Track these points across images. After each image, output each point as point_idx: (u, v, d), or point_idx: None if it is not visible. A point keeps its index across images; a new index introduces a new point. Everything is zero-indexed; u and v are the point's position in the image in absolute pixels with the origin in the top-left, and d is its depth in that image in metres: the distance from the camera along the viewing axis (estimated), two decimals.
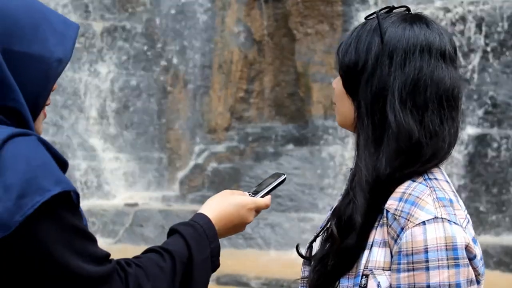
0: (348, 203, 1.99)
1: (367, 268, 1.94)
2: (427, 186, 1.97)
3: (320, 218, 8.21)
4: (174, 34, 9.50)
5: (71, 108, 9.60)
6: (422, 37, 1.99)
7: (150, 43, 9.60)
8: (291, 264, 7.80)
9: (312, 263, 2.06)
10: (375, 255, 1.95)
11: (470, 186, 7.92)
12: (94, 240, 1.72)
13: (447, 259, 1.87)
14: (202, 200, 8.91)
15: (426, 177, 1.99)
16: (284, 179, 2.11)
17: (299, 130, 8.84)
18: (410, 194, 1.94)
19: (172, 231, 1.91)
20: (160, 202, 9.21)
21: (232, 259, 7.04)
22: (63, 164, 1.71)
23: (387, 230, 1.93)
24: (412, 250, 1.88)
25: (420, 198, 1.93)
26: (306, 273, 2.14)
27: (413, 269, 1.89)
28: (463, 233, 1.90)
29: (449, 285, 1.86)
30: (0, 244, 1.60)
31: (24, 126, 1.72)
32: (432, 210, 1.92)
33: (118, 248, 8.42)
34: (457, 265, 1.87)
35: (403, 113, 1.95)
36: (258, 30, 9.08)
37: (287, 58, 9.01)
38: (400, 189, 1.95)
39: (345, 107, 2.03)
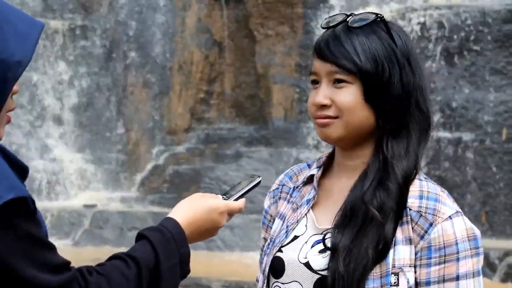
0: (373, 192, 2.02)
1: (395, 266, 2.00)
2: (433, 184, 2.09)
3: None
4: (134, 34, 9.43)
5: (29, 108, 9.49)
6: (407, 35, 2.12)
7: (111, 43, 9.52)
8: (251, 265, 7.79)
9: (335, 253, 2.01)
10: (401, 253, 2.01)
11: None
12: (52, 248, 1.64)
13: (470, 249, 2.01)
14: (161, 202, 8.86)
15: (424, 176, 2.10)
16: (259, 182, 2.07)
17: (259, 131, 8.83)
18: (428, 191, 2.05)
19: (139, 237, 1.84)
20: (119, 203, 9.14)
21: (192, 261, 6.97)
22: (22, 170, 1.64)
23: (412, 227, 2.01)
24: (444, 243, 2.00)
25: (439, 195, 2.05)
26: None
27: (445, 262, 2.00)
28: None
29: (473, 272, 2.00)
30: None
31: None
32: (451, 205, 2.05)
33: (77, 250, 8.34)
34: (478, 254, 2.02)
35: (429, 104, 2.08)
36: (219, 31, 9.05)
37: (247, 59, 8.99)
38: (415, 187, 2.05)
39: (362, 117, 2.04)
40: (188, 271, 1.86)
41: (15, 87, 1.73)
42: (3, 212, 1.55)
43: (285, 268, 2.10)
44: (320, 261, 2.04)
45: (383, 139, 2.05)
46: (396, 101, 2.03)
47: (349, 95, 2.03)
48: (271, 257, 2.12)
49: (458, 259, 2.00)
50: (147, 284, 1.75)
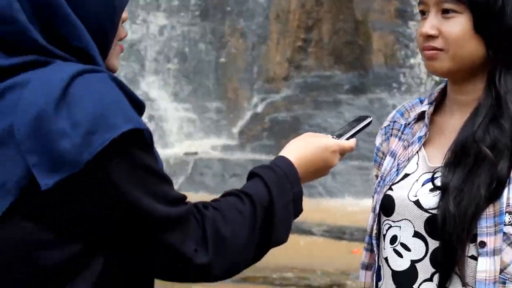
0: (484, 130, 1.96)
1: (509, 205, 1.93)
2: None
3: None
4: None
5: (130, 59, 9.63)
6: None
7: None
8: (352, 211, 7.80)
9: (445, 192, 1.97)
10: None
11: None
12: (168, 181, 1.63)
13: None
14: (261, 149, 8.91)
15: None
16: (370, 122, 2.01)
17: (359, 78, 8.76)
18: None
19: (252, 175, 1.80)
20: (219, 151, 9.23)
21: None
22: (138, 106, 1.63)
23: None
24: None
25: None
26: (377, 225, 2.08)
27: None
28: None
29: None
30: (68, 182, 1.53)
31: (92, 65, 1.62)
32: None
33: None
34: None
35: None
36: None
37: (345, 6, 8.89)
38: None
39: (470, 48, 1.98)
40: (301, 211, 1.83)
41: (124, 14, 1.70)
42: (121, 142, 1.53)
43: (395, 206, 2.07)
44: (431, 200, 2.00)
45: (495, 73, 1.98)
46: (508, 32, 1.96)
47: (458, 26, 1.97)
48: (381, 195, 2.09)
49: None
50: (262, 221, 1.72)
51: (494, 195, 1.93)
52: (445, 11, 2.00)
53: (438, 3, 2.00)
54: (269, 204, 1.74)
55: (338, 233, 7.06)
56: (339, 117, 8.58)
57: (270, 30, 9.21)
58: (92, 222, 1.57)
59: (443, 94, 2.12)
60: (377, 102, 8.55)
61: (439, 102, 2.13)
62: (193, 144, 9.51)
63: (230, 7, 9.49)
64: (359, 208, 7.77)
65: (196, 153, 9.20)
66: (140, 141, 1.58)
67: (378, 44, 8.63)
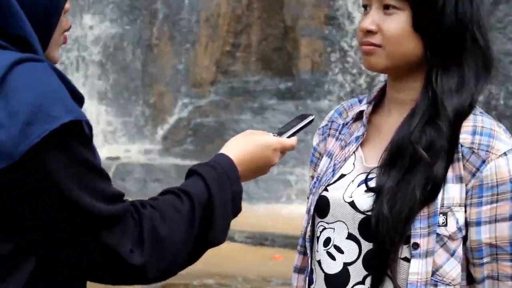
0: (421, 130, 1.92)
1: (443, 206, 1.89)
2: (489, 118, 1.97)
3: (307, 173, 8.12)
4: None
5: None
6: None
7: None
8: (274, 218, 7.74)
9: (379, 194, 1.92)
10: (451, 192, 1.90)
11: None
12: (107, 178, 1.56)
13: None
14: (185, 155, 8.79)
15: (480, 110, 1.98)
16: (312, 120, 1.96)
17: (285, 84, 8.71)
18: (482, 126, 1.93)
19: (191, 172, 1.75)
20: (142, 155, 9.09)
21: None
22: (78, 98, 1.56)
23: (463, 165, 1.90)
24: (497, 181, 1.89)
25: (494, 130, 1.93)
26: (312, 227, 2.02)
27: (497, 201, 1.89)
28: None
29: None
30: (3, 175, 1.45)
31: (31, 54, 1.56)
32: (507, 141, 1.93)
33: None
34: None
35: (488, 39, 1.95)
36: None
37: (275, 11, 8.85)
38: (468, 122, 1.93)
39: (408, 46, 1.93)
40: (240, 210, 1.77)
41: (66, 5, 1.64)
42: (60, 134, 1.47)
43: (330, 207, 2.01)
44: (365, 201, 1.95)
45: (432, 73, 1.94)
46: (448, 32, 1.91)
47: (397, 23, 1.92)
48: (316, 196, 2.04)
49: (511, 198, 1.88)
50: (200, 219, 1.66)
51: (429, 197, 1.89)
52: (386, 7, 1.95)
53: None
54: (208, 203, 1.68)
55: (259, 240, 7.03)
56: (264, 122, 8.53)
57: (199, 34, 9.09)
58: (27, 218, 1.49)
59: (382, 93, 2.07)
60: (302, 108, 8.51)
61: (378, 102, 2.07)
62: (115, 148, 9.34)
63: (158, 10, 9.35)
64: (280, 215, 7.75)
65: (118, 158, 9.04)
66: (80, 133, 1.51)
67: (306, 50, 8.60)
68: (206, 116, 8.79)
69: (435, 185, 1.88)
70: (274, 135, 1.89)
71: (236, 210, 1.76)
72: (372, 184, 1.95)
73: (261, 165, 1.83)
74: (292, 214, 7.46)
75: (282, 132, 1.91)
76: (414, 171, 1.89)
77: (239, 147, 1.81)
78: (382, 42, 1.94)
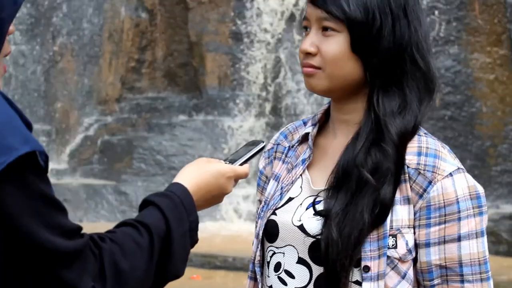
0: (365, 153, 1.91)
1: (392, 228, 1.89)
2: (433, 139, 1.96)
3: None
4: (62, 0, 9.15)
5: None
6: None
7: (36, 10, 9.22)
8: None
9: (327, 218, 1.91)
10: (399, 213, 1.90)
11: None
12: (64, 211, 1.51)
13: (473, 208, 1.90)
14: (92, 174, 8.64)
15: (424, 131, 1.98)
16: (264, 147, 1.95)
17: (192, 100, 8.68)
18: (427, 147, 1.93)
19: (146, 203, 1.70)
20: (49, 175, 8.88)
21: None
22: (28, 125, 1.50)
23: (410, 186, 1.90)
24: (444, 202, 1.89)
25: (439, 151, 1.93)
26: (260, 252, 2.00)
27: (445, 222, 1.89)
28: None
29: (476, 233, 1.90)
30: None
31: None
32: (452, 161, 1.93)
33: None
34: (481, 213, 1.91)
35: (431, 61, 1.95)
36: None
37: (180, 27, 8.81)
38: (413, 143, 1.93)
39: (347, 68, 1.92)
40: (197, 240, 1.76)
41: (11, 27, 1.57)
42: (16, 166, 1.40)
43: (279, 231, 1.99)
44: (315, 224, 1.94)
45: (373, 95, 1.94)
46: (385, 54, 1.91)
47: (335, 45, 1.92)
48: (265, 220, 2.02)
49: (459, 219, 1.89)
50: (159, 252, 1.63)
51: (378, 219, 1.89)
52: (325, 29, 1.95)
53: (319, 20, 1.95)
54: (166, 234, 1.65)
55: None
56: (173, 139, 8.47)
57: (102, 49, 8.97)
58: None
59: (327, 115, 2.06)
60: (211, 124, 8.49)
61: (323, 123, 2.07)
62: None
63: (60, 25, 9.18)
64: (200, 233, 7.68)
65: None
66: (36, 165, 1.45)
67: (212, 66, 8.58)
68: (113, 134, 8.67)
69: (384, 208, 1.88)
70: (226, 163, 1.87)
71: (193, 240, 1.74)
72: (320, 207, 1.94)
73: (215, 194, 1.81)
74: (209, 232, 7.41)
75: (233, 160, 1.89)
76: (361, 193, 1.89)
77: (193, 176, 1.78)
78: (321, 64, 1.94)
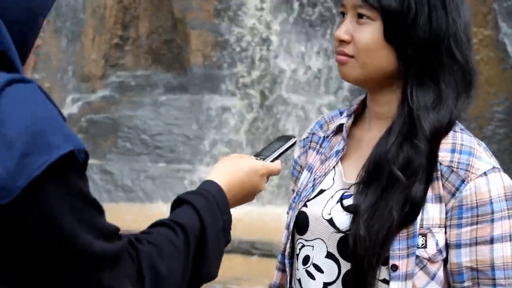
0: (397, 148, 1.84)
1: (423, 227, 1.82)
2: (469, 136, 1.89)
3: (205, 170, 8.02)
4: None
5: None
6: None
7: None
8: None
9: (356, 214, 1.85)
10: (430, 212, 1.83)
11: None
12: (102, 212, 1.46)
13: (508, 210, 1.83)
14: None
15: (460, 127, 1.91)
16: (295, 143, 1.90)
17: (177, 78, 8.57)
18: (462, 144, 1.86)
19: (180, 201, 1.66)
20: None
21: (112, 215, 6.73)
22: (63, 120, 1.43)
23: (442, 184, 1.83)
24: (477, 202, 1.82)
25: (474, 148, 1.86)
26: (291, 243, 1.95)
27: (477, 223, 1.82)
28: None
29: (510, 235, 1.82)
30: (2, 211, 1.33)
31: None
32: (487, 159, 1.85)
33: None
34: None
35: (470, 55, 1.87)
36: None
37: (163, 3, 8.68)
38: (447, 140, 1.86)
39: (380, 58, 1.86)
40: (229, 240, 1.71)
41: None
42: (58, 165, 1.35)
43: (309, 224, 1.94)
44: (344, 218, 1.89)
45: (407, 88, 1.87)
46: (420, 45, 1.84)
47: (369, 33, 1.86)
48: (296, 212, 1.97)
49: (492, 220, 1.81)
50: (194, 253, 1.59)
51: (408, 218, 1.83)
52: (360, 16, 1.89)
53: (354, 7, 1.89)
54: (201, 235, 1.61)
55: None
56: (158, 118, 8.37)
57: (85, 26, 8.83)
58: (23, 259, 1.36)
59: (363, 106, 2.01)
60: (197, 103, 8.39)
61: (359, 114, 2.01)
62: None
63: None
64: None
65: None
66: (76, 163, 1.40)
67: (197, 44, 8.47)
68: (97, 112, 8.55)
69: (414, 207, 1.81)
70: (258, 159, 1.82)
71: (226, 240, 1.69)
72: (348, 202, 1.89)
73: (248, 192, 1.77)
74: None
75: (265, 156, 1.84)
76: (392, 190, 1.83)
77: (227, 173, 1.74)
78: (354, 52, 1.88)
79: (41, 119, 1.35)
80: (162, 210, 7.84)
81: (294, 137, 1.90)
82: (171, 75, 8.63)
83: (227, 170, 1.74)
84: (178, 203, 1.67)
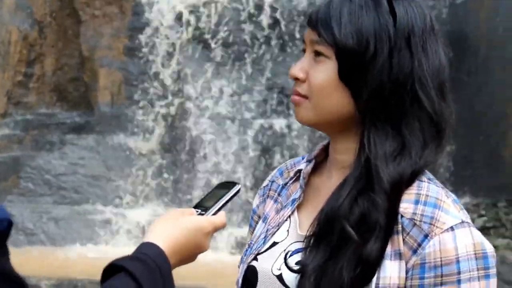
0: (351, 203, 1.65)
1: (379, 286, 1.63)
2: (437, 186, 1.70)
3: (110, 210, 7.75)
4: None
5: None
6: (426, 13, 1.72)
7: None
8: (81, 261, 7.30)
9: (303, 274, 1.67)
10: (388, 270, 1.63)
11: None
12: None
13: (477, 270, 1.63)
14: None
15: (428, 176, 1.72)
16: (239, 191, 1.69)
17: (84, 117, 8.31)
18: (427, 195, 1.67)
19: (116, 268, 1.44)
20: None
21: (13, 260, 6.37)
22: None
23: (403, 239, 1.64)
24: (441, 260, 1.62)
25: (441, 200, 1.66)
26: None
27: (441, 284, 1.61)
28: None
29: None
30: None
31: None
32: (456, 213, 1.66)
33: None
34: (487, 276, 1.63)
35: (438, 100, 1.68)
36: (40, 9, 8.44)
37: (71, 40, 8.44)
38: (412, 190, 1.67)
39: (335, 100, 1.69)
40: None
41: None
42: None
43: (258, 280, 1.77)
44: (295, 276, 1.71)
45: (364, 134, 1.70)
46: (377, 88, 1.67)
47: (323, 72, 1.70)
48: (245, 266, 1.79)
49: (459, 281, 1.61)
50: None
51: (361, 280, 1.64)
52: (316, 54, 1.73)
53: (312, 43, 1.73)
54: None
55: (68, 287, 6.59)
56: (63, 158, 8.07)
57: None
58: None
59: (326, 150, 1.83)
60: (103, 142, 8.14)
61: (322, 161, 1.84)
62: None
63: None
64: (86, 258, 7.35)
65: None
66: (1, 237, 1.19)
67: (105, 82, 8.24)
68: None
69: (368, 267, 1.63)
70: (198, 212, 1.62)
71: None
72: (296, 259, 1.71)
73: (192, 254, 1.57)
74: (100, 256, 7.07)
75: (206, 207, 1.63)
76: (344, 248, 1.65)
77: (169, 233, 1.53)
78: (307, 92, 1.72)
79: None
80: (66, 255, 7.53)
81: (238, 184, 1.70)
82: (77, 113, 8.37)
83: (169, 230, 1.53)
84: (111, 271, 1.45)
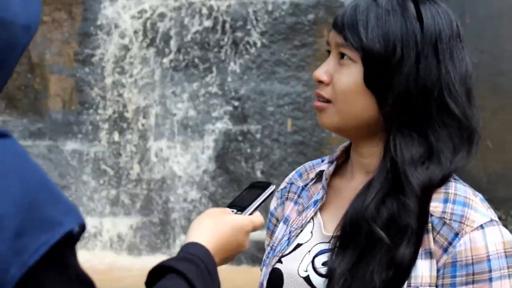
0: (378, 205, 1.66)
1: (410, 286, 1.64)
2: (464, 185, 1.72)
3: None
4: None
5: None
6: (453, 19, 1.73)
7: None
8: None
9: (331, 278, 1.67)
10: (419, 270, 1.64)
11: (219, 181, 7.81)
12: None
13: (508, 268, 1.64)
14: None
15: (454, 177, 1.74)
16: (274, 190, 1.68)
17: (35, 124, 8.21)
18: (455, 194, 1.68)
19: (166, 269, 1.43)
20: None
21: None
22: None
23: (433, 238, 1.65)
24: (472, 258, 1.63)
25: (469, 198, 1.68)
26: None
27: (473, 282, 1.63)
28: None
29: None
30: None
31: None
32: (484, 211, 1.68)
33: None
34: None
35: (467, 105, 1.70)
36: None
37: None
38: (440, 189, 1.68)
39: (358, 104, 1.69)
40: None
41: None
42: (56, 245, 1.10)
43: (284, 282, 1.78)
44: (322, 278, 1.72)
45: (389, 139, 1.69)
46: (403, 94, 1.67)
47: (348, 76, 1.69)
48: (269, 269, 1.80)
49: (491, 279, 1.62)
50: None
51: (392, 283, 1.64)
52: (341, 56, 1.72)
53: (337, 45, 1.73)
54: None
55: None
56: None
57: None
58: None
59: (347, 151, 1.84)
60: (55, 150, 8.06)
61: (343, 162, 1.84)
62: None
63: None
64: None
65: None
66: (73, 241, 1.15)
67: (56, 89, 8.16)
68: None
69: (400, 271, 1.63)
70: (234, 212, 1.61)
71: None
72: (323, 259, 1.71)
73: (234, 252, 1.56)
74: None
75: (242, 207, 1.62)
76: (374, 251, 1.65)
77: (213, 233, 1.52)
78: (331, 96, 1.71)
79: (33, 185, 1.11)
80: None
81: (272, 184, 1.67)
82: (28, 120, 8.27)
83: (212, 230, 1.52)
84: (161, 271, 1.43)
